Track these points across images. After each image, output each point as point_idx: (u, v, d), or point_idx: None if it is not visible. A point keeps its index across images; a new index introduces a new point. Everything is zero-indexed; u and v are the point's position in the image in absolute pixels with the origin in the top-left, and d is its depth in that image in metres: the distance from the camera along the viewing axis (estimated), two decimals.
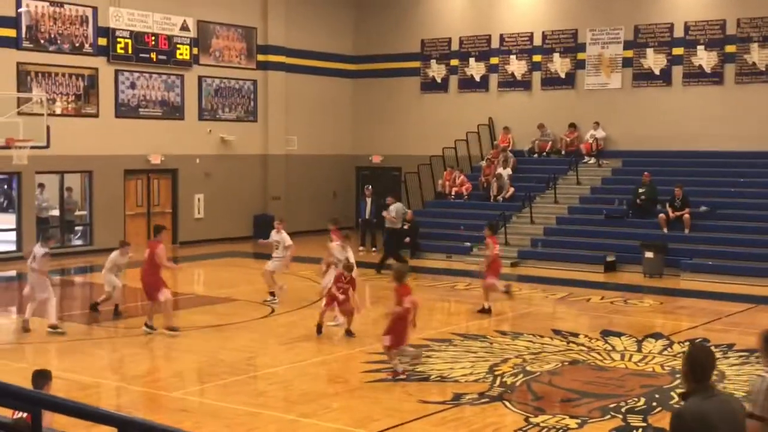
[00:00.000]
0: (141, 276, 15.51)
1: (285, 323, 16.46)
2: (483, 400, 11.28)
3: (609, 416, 10.64)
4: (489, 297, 17.38)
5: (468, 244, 24.80)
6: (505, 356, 13.56)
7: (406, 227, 24.38)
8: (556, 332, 15.39)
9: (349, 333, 15.00)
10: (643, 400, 11.33)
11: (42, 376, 8.09)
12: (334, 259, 16.28)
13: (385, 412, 10.79)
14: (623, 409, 10.89)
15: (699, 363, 5.11)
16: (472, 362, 13.17)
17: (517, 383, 12.11)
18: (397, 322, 12.52)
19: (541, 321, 16.73)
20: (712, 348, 10.93)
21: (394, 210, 24.19)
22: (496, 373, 12.56)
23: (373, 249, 26.02)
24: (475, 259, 24.09)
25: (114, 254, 16.53)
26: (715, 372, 5.24)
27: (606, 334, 15.29)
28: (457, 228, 25.66)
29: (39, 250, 15.16)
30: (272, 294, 17.95)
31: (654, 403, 11.18)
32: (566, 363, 13.30)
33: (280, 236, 17.90)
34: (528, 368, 12.86)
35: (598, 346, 14.40)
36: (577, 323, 16.76)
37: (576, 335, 15.15)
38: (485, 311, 17.11)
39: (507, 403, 11.18)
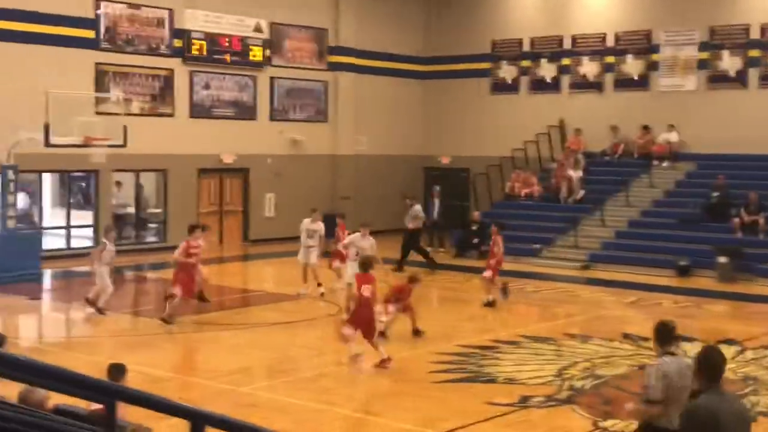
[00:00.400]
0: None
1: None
2: (550, 403, 11.23)
3: None
4: (491, 290, 17.89)
5: (537, 246, 24.65)
6: (574, 359, 13.46)
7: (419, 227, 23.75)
8: (626, 336, 15.22)
9: (417, 332, 15.01)
10: None
11: (118, 370, 8.26)
12: (356, 248, 16.56)
13: (451, 413, 10.81)
14: None
15: (711, 363, 5.37)
16: (540, 365, 13.12)
17: (586, 387, 12.02)
18: (358, 311, 12.59)
19: (611, 324, 16.56)
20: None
21: (415, 211, 23.84)
22: (565, 376, 12.49)
23: (441, 249, 26.02)
24: (544, 262, 24.00)
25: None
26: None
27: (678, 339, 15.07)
28: (525, 229, 25.47)
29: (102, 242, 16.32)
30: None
31: None
32: (636, 367, 13.15)
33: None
34: (597, 372, 12.76)
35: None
36: (647, 327, 16.41)
37: (646, 339, 14.96)
38: (490, 304, 17.69)
39: (575, 407, 11.12)
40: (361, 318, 12.65)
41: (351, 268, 16.30)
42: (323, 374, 12.84)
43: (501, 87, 30.69)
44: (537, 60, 29.83)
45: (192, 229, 16.56)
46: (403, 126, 31.94)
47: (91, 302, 16.45)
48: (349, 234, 18.07)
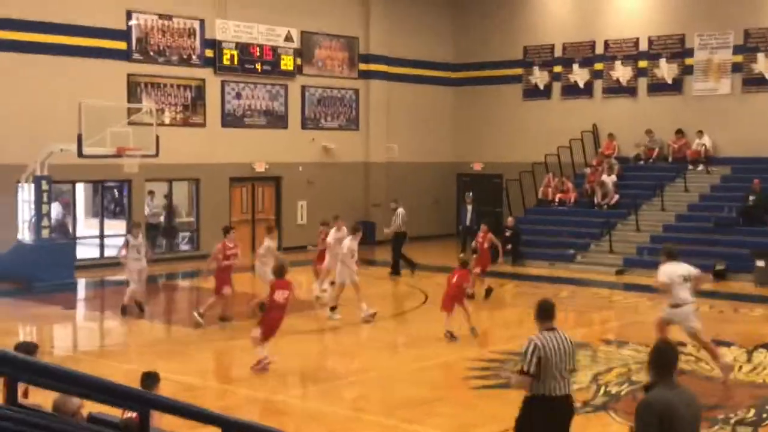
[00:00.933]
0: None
1: (387, 328, 16.52)
2: (586, 409, 11.10)
3: (717, 427, 10.34)
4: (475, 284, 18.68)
5: (571, 251, 24.49)
6: (610, 365, 13.32)
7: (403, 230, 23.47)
8: None
9: (473, 331, 15.13)
10: (753, 411, 10.99)
11: (151, 378, 8.26)
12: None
13: (486, 419, 10.72)
14: (732, 421, 10.58)
15: (664, 358, 5.60)
16: (576, 370, 12.97)
17: (622, 393, 11.88)
18: (268, 315, 12.87)
19: (648, 330, 16.27)
20: None
21: (401, 215, 23.68)
22: (600, 382, 12.35)
23: (474, 255, 25.83)
24: (579, 267, 23.81)
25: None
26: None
27: (715, 343, 14.86)
28: (559, 235, 25.34)
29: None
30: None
31: (765, 415, 10.84)
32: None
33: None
34: (633, 378, 12.60)
35: (706, 356, 14.00)
36: (684, 333, 16.31)
37: (683, 345, 14.77)
38: (489, 292, 19.37)
39: (611, 413, 10.98)
40: (269, 321, 12.88)
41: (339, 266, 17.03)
42: (356, 382, 12.79)
43: (533, 93, 30.55)
44: (569, 65, 29.66)
45: (227, 230, 17.13)
46: (434, 133, 31.89)
47: (130, 306, 17.17)
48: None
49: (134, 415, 6.31)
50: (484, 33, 31.53)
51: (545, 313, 7.82)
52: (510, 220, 25.61)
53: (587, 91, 29.37)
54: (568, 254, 24.47)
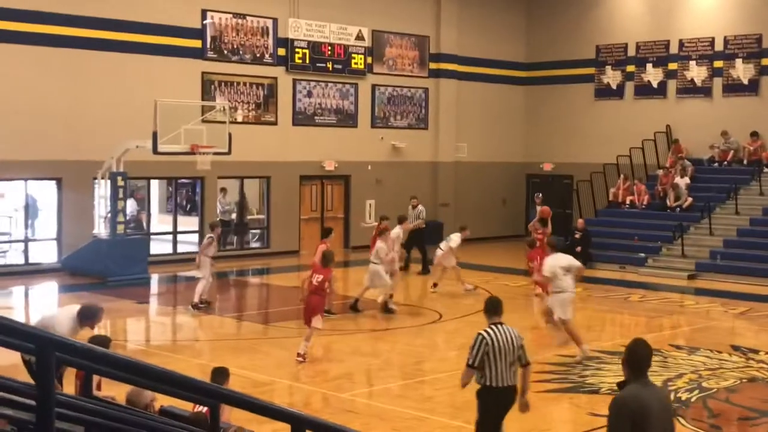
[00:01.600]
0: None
1: (453, 329, 16.53)
2: None
3: None
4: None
5: (642, 255, 24.16)
6: (681, 371, 13.13)
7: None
8: (735, 348, 14.77)
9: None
10: None
11: (220, 374, 8.39)
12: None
13: (553, 424, 10.66)
14: None
15: (638, 356, 5.69)
16: None
17: (693, 399, 11.70)
18: (309, 299, 13.54)
19: (720, 336, 16.10)
20: None
21: (418, 212, 23.68)
22: (671, 388, 12.18)
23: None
24: (650, 271, 23.49)
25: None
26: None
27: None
28: (630, 238, 25.04)
29: (206, 237, 18.10)
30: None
31: None
32: (745, 380, 12.75)
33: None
34: (704, 384, 12.41)
35: None
36: (758, 339, 16.03)
37: (756, 352, 14.51)
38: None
39: (681, 420, 10.82)
40: (304, 304, 13.73)
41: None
42: (424, 382, 12.82)
43: (605, 92, 30.21)
44: (642, 65, 29.26)
45: (327, 232, 18.11)
46: (504, 132, 31.74)
47: (197, 304, 17.47)
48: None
49: (204, 409, 6.44)
50: (556, 32, 31.27)
51: (493, 308, 8.30)
52: (580, 222, 25.35)
53: (661, 91, 28.94)
54: (639, 258, 24.15)
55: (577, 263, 14.43)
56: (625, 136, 28.59)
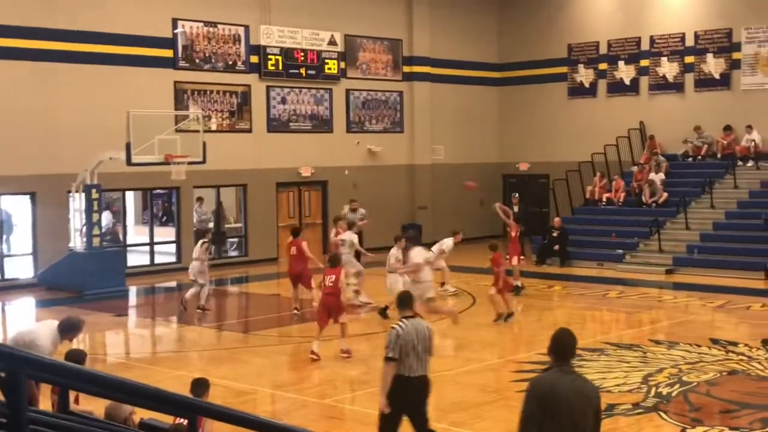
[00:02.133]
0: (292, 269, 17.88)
1: (435, 332, 16.47)
2: (637, 411, 11.00)
3: None
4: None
5: (620, 251, 24.27)
6: (661, 366, 13.17)
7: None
8: (714, 341, 14.85)
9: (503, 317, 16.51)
10: None
11: (200, 385, 8.32)
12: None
13: None
14: None
15: (561, 343, 5.85)
16: (626, 372, 12.87)
17: (673, 394, 11.75)
18: (326, 300, 14.24)
19: (698, 330, 16.18)
20: None
21: (361, 215, 23.68)
22: (651, 383, 12.22)
23: (521, 257, 25.63)
24: (628, 267, 23.58)
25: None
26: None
27: (767, 343, 14.65)
28: (608, 235, 25.15)
29: (199, 244, 18.38)
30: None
31: None
32: (725, 373, 12.81)
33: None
34: (684, 378, 12.46)
35: (759, 355, 13.82)
36: (736, 332, 16.14)
37: (735, 344, 14.59)
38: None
39: (662, 414, 10.87)
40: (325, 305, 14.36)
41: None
42: None
43: (578, 91, 30.35)
44: (614, 62, 29.41)
45: (297, 232, 18.66)
46: (480, 134, 31.81)
47: (204, 306, 18.28)
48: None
49: (185, 421, 6.39)
50: (528, 32, 31.38)
51: (404, 302, 8.86)
52: (557, 221, 25.45)
53: (633, 88, 29.10)
54: (616, 254, 24.26)
55: (431, 254, 16.62)
56: (599, 133, 28.72)
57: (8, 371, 3.49)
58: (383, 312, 17.16)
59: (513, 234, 20.33)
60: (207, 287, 18.37)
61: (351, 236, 19.25)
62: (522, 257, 25.05)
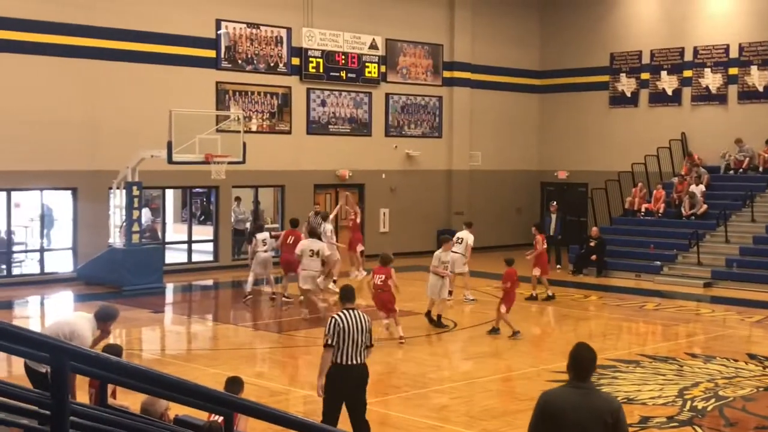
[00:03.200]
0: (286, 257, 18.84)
1: (466, 338, 16.49)
2: (672, 425, 10.90)
3: None
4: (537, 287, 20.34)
5: (658, 263, 24.06)
6: (696, 380, 13.05)
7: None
8: (752, 356, 14.68)
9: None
10: None
11: (234, 383, 8.36)
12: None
13: None
14: None
15: (578, 359, 5.79)
16: (661, 385, 12.76)
17: (709, 408, 11.63)
18: (379, 296, 15.45)
19: (736, 344, 16.01)
20: None
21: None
22: (686, 396, 12.11)
23: (558, 267, 25.57)
24: (666, 279, 23.37)
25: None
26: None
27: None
28: (646, 246, 24.96)
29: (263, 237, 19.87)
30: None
31: None
32: (762, 389, 12.67)
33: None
34: (720, 393, 12.33)
35: None
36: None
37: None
38: (533, 298, 20.09)
39: (697, 428, 10.77)
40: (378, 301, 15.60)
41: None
42: (438, 391, 12.79)
43: (620, 100, 30.15)
44: (657, 72, 29.19)
45: (295, 222, 20.13)
46: (518, 140, 31.71)
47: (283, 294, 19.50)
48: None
49: (219, 418, 6.43)
50: (570, 40, 31.24)
51: (346, 295, 9.44)
52: (595, 230, 25.28)
53: (675, 98, 28.86)
54: (654, 266, 24.05)
55: (322, 245, 17.87)
56: (639, 143, 28.52)
57: (54, 363, 3.54)
58: (437, 321, 17.04)
59: (540, 246, 20.41)
60: (271, 276, 19.94)
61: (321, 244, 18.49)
62: (558, 267, 25.00)
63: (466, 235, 19.88)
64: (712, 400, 11.96)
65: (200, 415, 6.96)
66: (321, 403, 12.00)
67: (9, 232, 22.50)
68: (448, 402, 12.19)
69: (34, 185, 22.40)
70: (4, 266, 22.33)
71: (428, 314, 17.02)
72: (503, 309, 16.12)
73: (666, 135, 28.32)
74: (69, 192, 22.88)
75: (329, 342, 9.08)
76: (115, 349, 8.41)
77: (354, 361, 9.09)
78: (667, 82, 29.02)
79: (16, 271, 22.38)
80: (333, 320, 9.15)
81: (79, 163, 22.23)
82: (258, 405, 4.97)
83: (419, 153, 29.12)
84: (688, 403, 11.82)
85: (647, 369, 13.79)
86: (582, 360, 5.77)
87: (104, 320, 9.31)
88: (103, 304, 9.90)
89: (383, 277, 15.38)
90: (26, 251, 23.57)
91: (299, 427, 5.04)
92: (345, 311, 9.22)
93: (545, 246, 20.68)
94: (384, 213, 28.46)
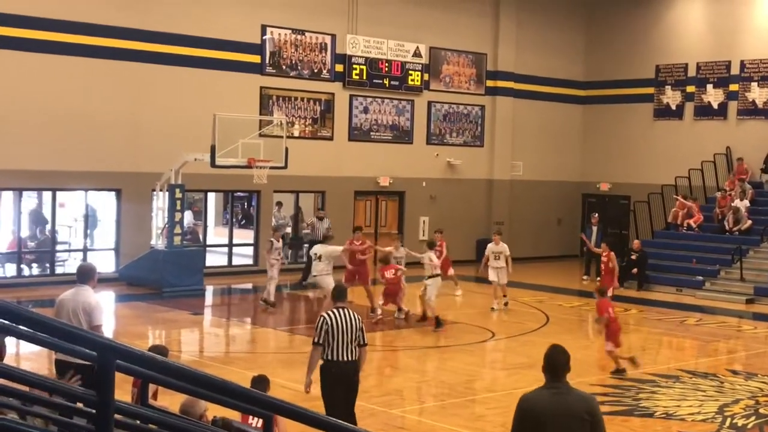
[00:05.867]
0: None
1: (504, 348, 16.43)
2: None
3: None
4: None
5: (700, 278, 23.80)
6: (737, 397, 12.89)
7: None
8: None
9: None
10: None
11: (261, 382, 8.38)
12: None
13: None
14: None
15: (552, 361, 5.93)
16: (701, 401, 12.62)
17: (749, 425, 11.49)
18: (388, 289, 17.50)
19: None
20: None
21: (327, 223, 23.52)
22: (726, 413, 11.97)
23: (598, 279, 25.32)
24: (707, 294, 23.11)
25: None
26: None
27: None
28: (688, 260, 24.70)
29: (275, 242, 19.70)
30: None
31: None
32: None
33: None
34: (761, 411, 12.17)
35: None
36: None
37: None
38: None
39: None
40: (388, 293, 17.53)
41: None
42: (475, 400, 12.76)
43: (664, 112, 29.90)
44: (703, 85, 28.91)
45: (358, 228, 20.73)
46: (561, 151, 31.56)
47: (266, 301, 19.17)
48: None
49: (254, 421, 6.46)
50: (616, 51, 31.05)
51: (338, 294, 9.83)
52: (636, 243, 25.05)
53: (721, 112, 28.56)
54: (696, 281, 23.79)
55: (320, 247, 17.93)
56: (683, 157, 28.26)
57: (100, 361, 3.60)
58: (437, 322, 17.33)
59: (610, 266, 20.18)
60: (273, 281, 19.40)
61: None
62: (597, 278, 24.80)
63: (504, 246, 19.99)
64: (753, 418, 11.82)
65: (236, 417, 7.01)
66: (356, 409, 12.04)
67: (53, 231, 22.82)
68: (484, 412, 12.15)
69: (78, 186, 22.70)
70: (47, 265, 22.65)
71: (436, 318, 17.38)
72: (609, 347, 14.09)
73: (710, 149, 28.03)
74: (113, 193, 23.16)
75: (316, 340, 9.30)
76: (161, 350, 8.49)
77: (343, 358, 9.27)
78: (713, 96, 28.73)
79: (59, 270, 22.66)
80: (321, 319, 9.36)
81: (123, 164, 22.49)
82: (296, 407, 5.00)
83: (460, 162, 29.08)
84: (728, 420, 11.68)
85: (687, 384, 13.65)
86: (556, 362, 5.94)
87: (87, 277, 10.02)
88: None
89: (393, 271, 17.28)
90: (69, 250, 23.87)
91: (334, 430, 5.06)
92: (334, 310, 9.42)
93: (615, 264, 20.24)
94: (423, 221, 28.45)
